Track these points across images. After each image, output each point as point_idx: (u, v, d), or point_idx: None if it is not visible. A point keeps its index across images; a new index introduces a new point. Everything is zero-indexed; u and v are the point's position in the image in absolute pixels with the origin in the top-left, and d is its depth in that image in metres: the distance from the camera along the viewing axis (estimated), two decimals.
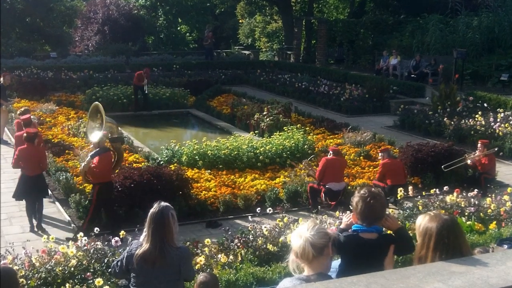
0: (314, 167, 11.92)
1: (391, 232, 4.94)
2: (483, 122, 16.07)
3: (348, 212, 4.98)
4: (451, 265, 3.39)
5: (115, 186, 10.12)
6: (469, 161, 12.19)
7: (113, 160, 10.00)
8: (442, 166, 12.01)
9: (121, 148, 10.62)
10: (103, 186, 9.60)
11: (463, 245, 3.92)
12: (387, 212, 5.26)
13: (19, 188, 10.22)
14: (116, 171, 10.45)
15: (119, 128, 10.66)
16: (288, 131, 15.03)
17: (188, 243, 7.86)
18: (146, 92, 20.86)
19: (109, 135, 10.21)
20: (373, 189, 4.88)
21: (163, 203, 4.92)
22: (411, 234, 7.64)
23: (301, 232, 3.65)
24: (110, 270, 6.05)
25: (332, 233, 3.83)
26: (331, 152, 11.34)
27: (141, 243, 4.95)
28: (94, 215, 9.60)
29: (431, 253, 3.82)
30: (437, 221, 3.91)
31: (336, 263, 4.94)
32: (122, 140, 10.20)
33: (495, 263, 3.37)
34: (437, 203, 9.34)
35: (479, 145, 12.39)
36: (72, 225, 10.04)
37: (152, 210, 4.87)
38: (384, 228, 4.87)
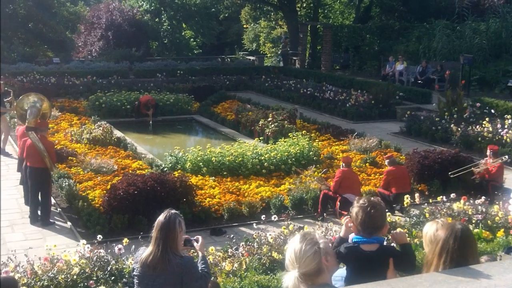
0: (329, 180, 11.84)
1: (396, 245, 4.88)
2: (490, 129, 15.96)
3: (347, 217, 4.89)
4: (458, 273, 3.35)
5: (117, 193, 10.09)
6: (476, 171, 12.05)
7: (32, 147, 10.30)
8: (449, 173, 11.89)
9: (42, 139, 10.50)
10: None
11: (469, 255, 3.87)
12: (399, 229, 5.18)
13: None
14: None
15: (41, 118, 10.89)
16: (293, 137, 14.93)
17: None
18: (151, 123, 20.12)
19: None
20: (372, 198, 4.82)
21: (173, 211, 4.97)
22: (417, 242, 7.61)
23: (289, 270, 3.36)
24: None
25: (325, 241, 3.58)
26: (343, 163, 11.28)
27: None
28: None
29: (436, 259, 3.84)
30: (446, 229, 3.92)
31: (341, 271, 4.86)
32: (32, 130, 10.40)
33: (502, 272, 3.34)
34: (444, 210, 9.22)
35: (488, 152, 12.27)
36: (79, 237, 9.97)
37: (160, 216, 4.93)
38: (385, 238, 4.83)
